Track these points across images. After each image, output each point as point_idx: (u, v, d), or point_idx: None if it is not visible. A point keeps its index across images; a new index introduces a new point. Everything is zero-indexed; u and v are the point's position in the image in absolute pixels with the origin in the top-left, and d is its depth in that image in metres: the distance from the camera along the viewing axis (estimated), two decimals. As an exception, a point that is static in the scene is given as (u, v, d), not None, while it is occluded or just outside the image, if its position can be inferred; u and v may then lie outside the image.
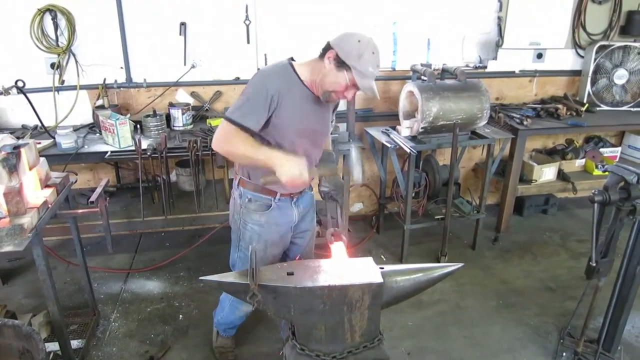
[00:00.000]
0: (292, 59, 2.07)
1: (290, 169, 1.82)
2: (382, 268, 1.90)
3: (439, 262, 3.72)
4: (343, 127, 3.71)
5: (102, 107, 3.57)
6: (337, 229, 2.06)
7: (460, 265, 1.99)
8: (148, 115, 3.47)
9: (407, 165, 3.53)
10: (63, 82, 3.60)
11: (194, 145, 3.17)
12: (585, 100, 4.32)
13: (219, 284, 1.92)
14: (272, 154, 1.87)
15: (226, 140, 1.90)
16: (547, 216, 4.63)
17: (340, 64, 1.90)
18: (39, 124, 3.42)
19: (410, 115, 3.65)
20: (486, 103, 3.49)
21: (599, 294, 2.57)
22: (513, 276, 3.63)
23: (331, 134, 2.41)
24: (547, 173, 4.16)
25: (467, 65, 4.33)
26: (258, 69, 3.88)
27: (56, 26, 3.44)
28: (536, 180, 4.12)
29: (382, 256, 3.90)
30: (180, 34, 3.64)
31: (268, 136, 2.00)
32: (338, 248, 1.98)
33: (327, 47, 1.95)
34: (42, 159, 2.45)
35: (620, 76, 4.32)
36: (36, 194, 2.30)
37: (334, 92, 1.98)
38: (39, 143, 3.13)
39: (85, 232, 3.17)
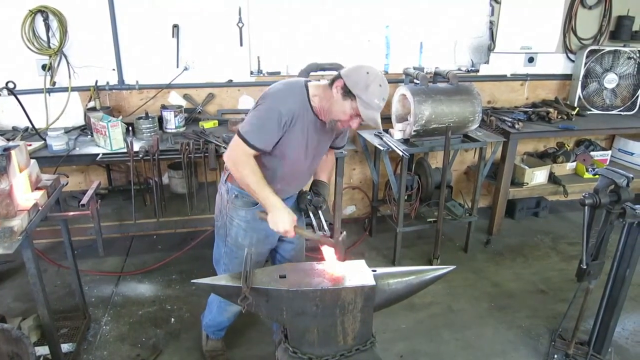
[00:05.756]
0: (308, 80, 2.10)
1: (279, 222, 1.96)
2: (375, 271, 1.91)
3: (431, 264, 3.73)
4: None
5: (93, 109, 3.56)
6: (327, 232, 2.07)
7: (452, 267, 2.01)
8: (140, 118, 3.45)
9: (400, 168, 3.54)
10: (54, 83, 3.57)
11: (187, 147, 3.16)
12: (576, 104, 4.36)
13: (212, 287, 1.92)
14: (271, 200, 1.97)
15: (238, 165, 1.99)
16: (539, 219, 4.66)
17: (347, 93, 1.93)
18: (30, 126, 3.39)
19: (403, 118, 3.67)
20: (478, 106, 3.51)
21: (589, 297, 2.59)
22: (505, 279, 3.64)
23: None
24: (538, 176, 4.18)
25: (459, 69, 4.37)
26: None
27: (48, 27, 3.42)
28: (528, 183, 4.15)
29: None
30: (172, 36, 3.63)
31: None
32: (330, 251, 1.98)
33: (337, 77, 1.98)
34: (33, 161, 2.43)
35: (610, 80, 4.36)
36: (26, 197, 2.27)
37: (339, 122, 2.03)
38: (30, 145, 3.10)
39: (76, 235, 3.15)
